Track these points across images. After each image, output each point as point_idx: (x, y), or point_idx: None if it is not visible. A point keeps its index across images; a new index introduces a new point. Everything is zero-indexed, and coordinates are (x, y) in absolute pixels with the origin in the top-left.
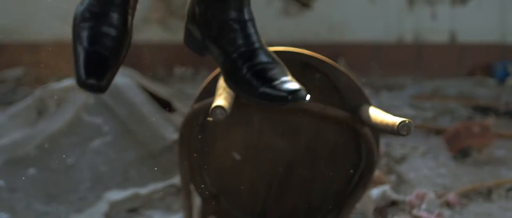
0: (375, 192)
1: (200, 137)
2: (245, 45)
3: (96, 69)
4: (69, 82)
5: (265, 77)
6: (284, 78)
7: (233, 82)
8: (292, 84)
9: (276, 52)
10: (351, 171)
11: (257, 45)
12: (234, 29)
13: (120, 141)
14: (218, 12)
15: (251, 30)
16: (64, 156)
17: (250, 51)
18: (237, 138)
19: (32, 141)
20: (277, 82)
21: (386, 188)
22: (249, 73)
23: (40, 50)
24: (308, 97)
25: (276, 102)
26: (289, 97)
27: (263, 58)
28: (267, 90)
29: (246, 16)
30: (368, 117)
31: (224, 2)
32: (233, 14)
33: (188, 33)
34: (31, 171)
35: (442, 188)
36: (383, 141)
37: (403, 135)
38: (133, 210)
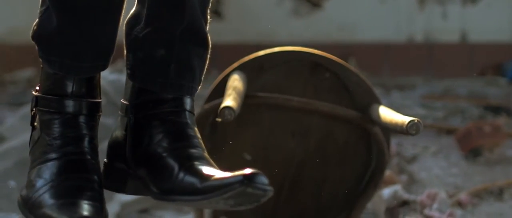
0: (386, 192)
1: (210, 137)
2: (184, 146)
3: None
4: None
5: (206, 173)
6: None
7: (166, 192)
8: (247, 170)
9: (286, 52)
10: (362, 171)
11: (199, 150)
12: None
13: None
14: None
15: (191, 132)
16: None
17: (188, 152)
18: (247, 138)
19: None
20: (224, 174)
21: (397, 187)
22: (187, 174)
23: None
24: (270, 188)
25: (228, 190)
26: (245, 181)
27: (204, 162)
28: (214, 183)
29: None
30: (378, 116)
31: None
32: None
33: (106, 171)
34: None
35: (454, 188)
36: (394, 140)
37: (412, 134)
38: (144, 211)
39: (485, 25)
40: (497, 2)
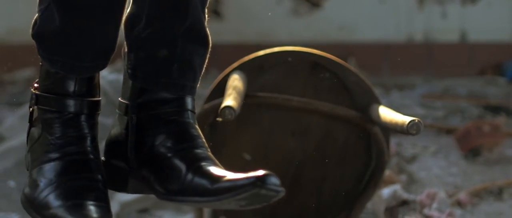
0: (386, 192)
1: (210, 137)
2: (189, 147)
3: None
4: None
5: (217, 174)
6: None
7: (174, 193)
8: (259, 172)
9: (286, 52)
10: (362, 171)
11: (204, 150)
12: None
13: None
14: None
15: (195, 132)
16: None
17: (194, 153)
18: (247, 138)
19: None
20: (235, 175)
21: (397, 187)
22: (196, 175)
23: None
24: (282, 189)
25: (241, 192)
26: (258, 183)
27: (211, 163)
28: (226, 184)
29: (191, 119)
30: (378, 116)
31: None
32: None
33: (105, 170)
34: None
35: (453, 187)
36: (394, 140)
37: (413, 134)
38: (143, 211)
39: (485, 25)
40: (497, 1)
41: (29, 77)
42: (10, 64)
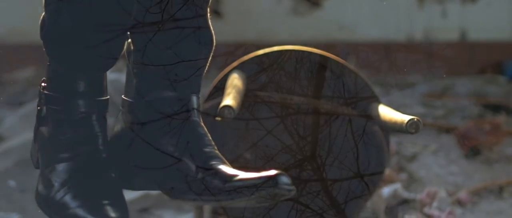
0: (386, 191)
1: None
2: (196, 145)
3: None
4: None
5: (228, 173)
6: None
7: (182, 192)
8: (271, 172)
9: (286, 51)
10: (362, 170)
11: (211, 148)
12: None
13: None
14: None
15: (202, 131)
16: None
17: (202, 152)
18: (246, 137)
19: None
20: (247, 174)
21: (397, 186)
22: (207, 174)
23: None
24: (293, 188)
25: (254, 192)
26: (271, 182)
27: (220, 161)
28: (238, 184)
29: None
30: (378, 115)
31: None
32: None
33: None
34: None
35: (454, 186)
36: (394, 139)
37: (412, 133)
38: (144, 210)
39: (485, 24)
40: (497, 0)
41: (29, 77)
42: (10, 64)
